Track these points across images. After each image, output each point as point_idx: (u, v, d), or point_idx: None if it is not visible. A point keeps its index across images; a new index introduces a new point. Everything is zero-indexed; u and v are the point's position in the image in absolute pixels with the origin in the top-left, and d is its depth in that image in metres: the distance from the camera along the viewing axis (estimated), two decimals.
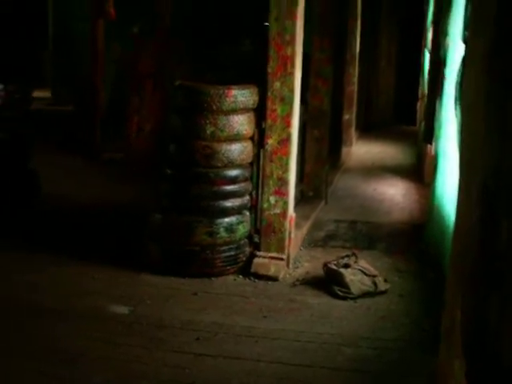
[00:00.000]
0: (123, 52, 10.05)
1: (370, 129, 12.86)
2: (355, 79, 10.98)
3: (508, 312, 2.05)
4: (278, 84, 5.10)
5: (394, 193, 8.29)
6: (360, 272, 5.01)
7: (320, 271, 5.20)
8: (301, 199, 6.89)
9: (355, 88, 11.02)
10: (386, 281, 5.06)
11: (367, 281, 4.96)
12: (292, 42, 5.04)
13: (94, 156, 9.06)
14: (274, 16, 5.06)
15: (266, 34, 5.22)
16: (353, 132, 11.17)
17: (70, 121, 10.29)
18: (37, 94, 12.79)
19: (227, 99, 4.99)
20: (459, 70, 4.15)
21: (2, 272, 5.10)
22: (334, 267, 5.04)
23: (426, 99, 9.00)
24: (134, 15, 11.65)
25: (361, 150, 11.14)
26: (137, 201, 6.85)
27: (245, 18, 11.71)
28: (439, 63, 6.28)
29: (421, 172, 8.96)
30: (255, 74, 5.49)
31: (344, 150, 10.12)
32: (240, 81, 5.27)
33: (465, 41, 4.07)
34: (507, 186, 2.23)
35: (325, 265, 5.14)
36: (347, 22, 10.00)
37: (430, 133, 7.28)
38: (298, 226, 5.79)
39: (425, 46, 11.30)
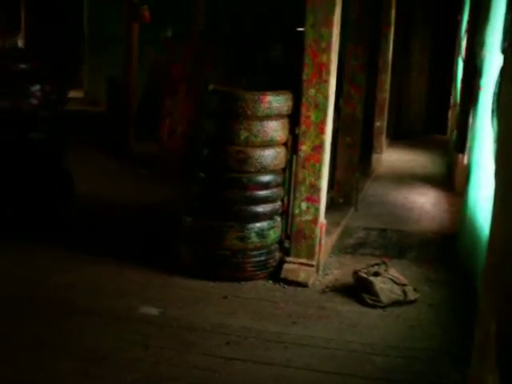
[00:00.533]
0: (157, 55, 10.13)
1: (400, 136, 12.80)
2: (387, 86, 10.95)
3: None
4: (312, 91, 5.12)
5: (425, 201, 8.25)
6: (390, 281, 5.00)
7: (349, 278, 5.20)
8: (331, 206, 6.89)
9: (387, 95, 10.99)
10: (415, 290, 5.05)
11: (397, 289, 4.95)
12: (328, 50, 5.05)
13: (127, 156, 9.14)
14: (310, 23, 5.07)
15: (299, 40, 5.24)
16: (383, 139, 11.14)
17: (104, 121, 10.39)
18: (72, 94, 13.02)
19: (262, 105, 5.01)
20: (497, 81, 4.13)
21: (38, 271, 5.17)
22: (364, 275, 5.04)
23: (458, 108, 8.97)
24: (169, 18, 11.77)
25: (391, 158, 11.10)
26: (168, 202, 6.90)
27: (278, 22, 11.75)
28: (474, 73, 6.26)
29: (451, 181, 8.91)
30: (288, 79, 5.51)
31: (374, 157, 10.10)
32: (273, 86, 5.30)
33: (503, 51, 4.05)
34: None
35: (355, 272, 5.14)
36: (381, 29, 9.98)
37: (462, 142, 7.27)
38: (327, 232, 5.79)
39: (458, 54, 11.25)
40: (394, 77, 11.70)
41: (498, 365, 2.48)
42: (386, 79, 10.84)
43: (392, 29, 10.82)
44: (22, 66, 6.46)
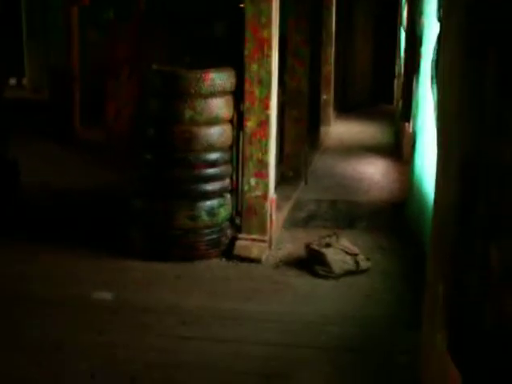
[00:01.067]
0: (99, 38, 9.97)
1: (348, 108, 12.88)
2: (332, 59, 10.99)
3: (486, 285, 2.09)
4: (255, 66, 5.10)
5: (374, 171, 8.33)
6: (341, 251, 5.05)
7: (302, 252, 5.23)
8: (281, 180, 6.91)
9: (332, 68, 11.03)
10: (367, 259, 5.11)
11: (349, 260, 5.00)
12: (268, 25, 5.04)
13: (73, 142, 9.01)
14: None
15: (241, 16, 5.21)
16: (331, 112, 11.19)
17: (48, 108, 10.21)
18: (14, 82, 12.77)
19: (205, 83, 4.98)
20: (435, 49, 4.17)
21: None
22: (316, 247, 5.08)
23: (402, 78, 9.04)
24: (109, 1, 11.57)
25: (339, 130, 11.17)
26: (117, 186, 6.83)
27: (220, 1, 11.65)
28: (415, 42, 6.31)
29: (399, 150, 9.01)
30: (231, 56, 5.49)
31: (322, 129, 10.15)
32: (217, 64, 5.27)
33: (439, 19, 4.09)
34: (485, 161, 2.26)
35: (307, 245, 5.17)
36: (323, 2, 9.98)
37: (407, 111, 7.34)
38: (278, 207, 5.81)
39: (400, 23, 11.32)
40: (339, 49, 11.74)
41: (445, 323, 2.54)
42: (331, 52, 10.87)
43: (334, 1, 10.83)
44: None
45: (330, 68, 10.87)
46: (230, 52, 5.88)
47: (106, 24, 10.06)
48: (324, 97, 10.46)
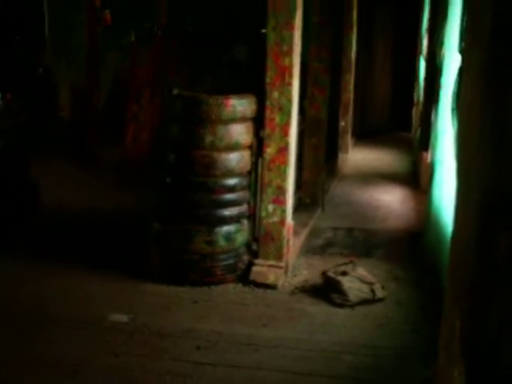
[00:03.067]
0: (120, 60, 10.09)
1: (365, 135, 12.89)
2: (351, 87, 11.04)
3: (506, 321, 2.09)
4: (276, 94, 5.15)
5: (391, 200, 8.32)
6: (358, 279, 5.05)
7: (318, 279, 5.24)
8: (298, 207, 6.93)
9: (351, 95, 11.08)
10: (383, 288, 5.10)
11: (365, 288, 5.00)
12: (290, 53, 5.08)
13: (92, 162, 9.08)
14: (271, 26, 5.10)
15: (262, 42, 5.26)
16: (349, 139, 11.22)
17: (68, 128, 10.31)
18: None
19: (226, 109, 5.03)
20: (456, 80, 4.20)
21: (6, 283, 5.12)
22: (332, 275, 5.08)
23: (421, 106, 9.07)
24: (131, 22, 11.71)
25: (357, 157, 11.18)
26: (134, 209, 6.88)
27: (242, 24, 11.75)
28: (435, 72, 6.34)
29: (417, 179, 9.00)
30: (252, 82, 5.53)
31: (340, 156, 10.16)
32: (237, 89, 5.31)
33: (461, 51, 4.12)
34: (505, 196, 2.27)
35: (323, 273, 5.18)
36: (343, 30, 10.05)
37: (425, 140, 7.35)
38: (295, 233, 5.83)
39: (420, 52, 11.38)
40: (358, 77, 11.80)
41: (463, 358, 2.53)
42: (350, 79, 10.92)
43: (354, 29, 10.91)
44: None
45: (349, 95, 10.91)
46: (251, 77, 5.93)
47: (128, 46, 10.18)
48: (342, 124, 10.49)
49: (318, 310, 4.85)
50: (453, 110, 4.26)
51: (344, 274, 5.08)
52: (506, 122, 2.31)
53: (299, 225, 6.27)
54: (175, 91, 5.34)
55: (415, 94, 12.54)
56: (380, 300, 4.99)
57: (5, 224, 6.05)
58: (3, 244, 5.83)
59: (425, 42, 9.56)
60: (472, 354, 2.41)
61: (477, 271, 2.46)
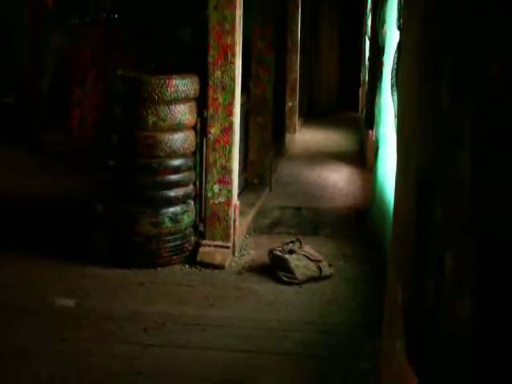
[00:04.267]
0: (64, 43, 9.91)
1: (313, 116, 12.96)
2: (297, 67, 11.06)
3: (441, 292, 2.12)
4: (218, 73, 5.12)
5: (338, 179, 8.39)
6: (304, 257, 5.07)
7: (265, 258, 5.25)
8: (245, 187, 6.93)
9: (297, 75, 11.10)
10: (330, 265, 5.14)
11: (312, 266, 5.03)
12: (232, 31, 5.06)
13: (36, 148, 8.93)
14: (212, 5, 5.07)
15: (206, 23, 5.23)
16: (296, 119, 11.25)
17: (11, 113, 10.11)
18: None
19: (168, 89, 4.98)
20: (395, 57, 4.23)
21: None
22: (279, 253, 5.10)
23: (367, 86, 9.13)
24: (75, 4, 11.49)
25: (305, 137, 11.23)
26: (81, 192, 6.79)
27: (186, 5, 11.64)
28: (378, 50, 6.38)
29: (363, 158, 9.09)
30: (197, 62, 5.50)
31: (288, 136, 10.19)
32: (182, 70, 5.27)
33: (399, 28, 4.15)
34: (441, 169, 2.29)
35: (270, 251, 5.20)
36: (288, 10, 10.04)
37: (370, 119, 7.41)
38: (242, 213, 5.83)
39: (365, 32, 11.43)
40: (304, 56, 11.82)
41: (404, 330, 2.56)
42: (296, 59, 10.94)
43: (299, 9, 10.91)
44: None
45: (295, 75, 10.94)
46: (195, 58, 5.89)
47: (71, 29, 10.00)
48: (289, 104, 10.51)
49: (266, 288, 4.87)
50: (392, 86, 4.30)
51: (291, 252, 5.11)
52: (441, 98, 2.33)
53: (246, 205, 6.27)
54: (119, 73, 5.28)
55: (362, 74, 12.62)
56: (327, 277, 5.03)
57: None
58: None
59: (369, 22, 9.61)
60: (411, 325, 2.44)
61: (415, 244, 2.49)
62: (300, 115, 11.80)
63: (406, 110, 2.97)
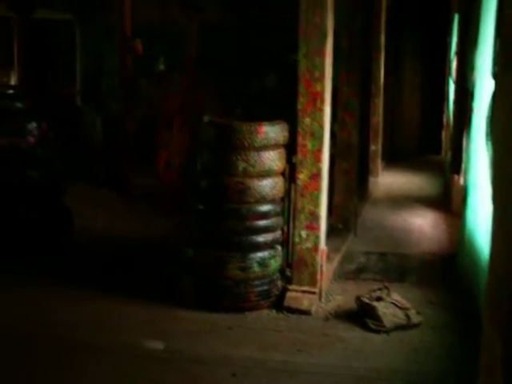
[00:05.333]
0: (151, 87, 10.21)
1: (395, 159, 12.87)
2: (380, 110, 11.05)
3: None
4: (308, 120, 5.17)
5: (423, 223, 8.28)
6: (392, 305, 5.02)
7: (352, 304, 5.22)
8: (330, 232, 6.91)
9: (381, 119, 11.09)
10: (418, 313, 5.07)
11: (400, 313, 4.97)
12: (321, 79, 5.11)
13: (123, 190, 9.16)
14: (303, 52, 5.14)
15: (292, 68, 5.30)
16: (379, 162, 11.21)
17: (101, 155, 10.45)
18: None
19: (259, 136, 5.06)
20: (489, 105, 4.18)
21: (39, 309, 5.17)
22: (367, 300, 5.06)
23: (451, 129, 9.04)
24: (161, 50, 11.84)
25: (387, 181, 11.16)
26: (168, 235, 6.93)
27: (270, 51, 11.83)
28: (466, 95, 6.33)
29: (448, 202, 8.95)
30: (282, 108, 5.57)
31: (371, 180, 10.15)
32: (267, 115, 5.35)
33: (494, 75, 4.11)
34: None
35: (357, 298, 5.16)
36: (372, 55, 10.09)
37: (457, 164, 7.32)
38: (328, 259, 5.81)
39: (449, 75, 11.35)
40: (387, 99, 11.81)
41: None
42: (379, 103, 10.94)
43: (382, 53, 10.94)
44: (19, 104, 6.52)
45: (378, 119, 10.93)
46: (281, 104, 5.96)
47: (157, 74, 10.29)
48: (373, 147, 10.50)
49: (353, 335, 4.83)
50: (487, 135, 4.24)
51: (379, 299, 5.06)
52: None
53: (332, 250, 6.25)
54: (206, 118, 5.38)
55: (445, 117, 12.51)
56: (415, 325, 4.96)
57: (39, 249, 6.15)
58: (37, 268, 5.92)
59: (454, 65, 9.55)
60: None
61: None
62: (382, 158, 11.75)
63: (502, 161, 2.94)
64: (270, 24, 12.44)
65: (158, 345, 4.60)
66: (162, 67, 11.16)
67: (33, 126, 6.44)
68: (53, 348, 4.53)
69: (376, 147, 10.81)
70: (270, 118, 5.29)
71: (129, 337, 4.71)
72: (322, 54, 5.09)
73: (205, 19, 12.33)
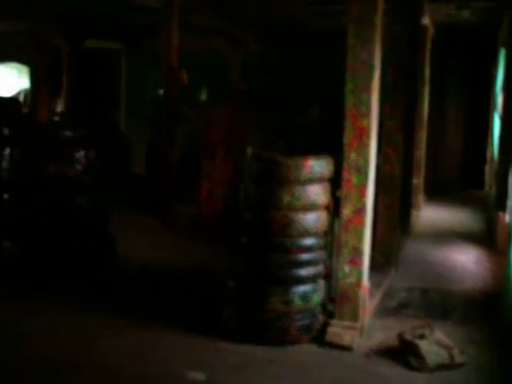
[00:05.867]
0: (194, 117, 10.33)
1: (436, 193, 12.78)
2: (423, 144, 11.01)
3: None
4: (353, 155, 5.18)
5: (466, 260, 8.18)
6: (435, 343, 4.96)
7: (393, 341, 5.17)
8: (372, 266, 6.87)
9: (423, 153, 11.04)
10: (462, 353, 4.99)
11: (443, 353, 4.91)
12: (368, 114, 5.13)
13: (166, 219, 9.24)
14: (349, 88, 5.16)
15: (336, 102, 5.32)
16: (421, 196, 11.14)
17: (144, 183, 10.58)
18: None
19: (304, 170, 5.08)
20: None
21: (82, 336, 5.23)
22: (409, 338, 5.01)
23: (496, 164, 8.96)
24: (203, 80, 12.00)
25: (429, 215, 11.06)
26: (209, 265, 6.98)
27: (314, 84, 11.91)
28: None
29: (492, 239, 8.84)
30: (327, 142, 5.58)
31: (413, 214, 10.09)
32: (310, 147, 5.37)
33: None
34: None
35: (399, 335, 5.11)
36: (416, 89, 10.07)
37: (502, 200, 7.25)
38: (369, 294, 5.77)
39: (493, 109, 11.29)
40: (430, 134, 11.77)
41: None
42: (422, 137, 10.91)
43: (427, 87, 10.93)
44: (68, 133, 6.65)
45: (421, 153, 10.88)
46: (325, 137, 5.98)
47: (201, 104, 10.41)
48: (415, 181, 10.44)
49: (395, 373, 4.78)
50: None
51: (421, 337, 5.01)
52: None
53: (373, 285, 6.20)
54: (250, 151, 5.42)
55: (489, 151, 12.41)
56: (459, 365, 4.89)
57: (84, 275, 6.25)
58: (82, 294, 6.01)
59: (500, 100, 9.50)
60: None
61: None
62: (424, 192, 11.68)
63: None
64: (313, 57, 12.56)
65: (200, 376, 4.61)
66: (203, 97, 11.29)
67: (81, 154, 6.57)
68: (97, 378, 4.56)
69: (418, 181, 10.75)
70: (313, 151, 5.31)
71: (171, 367, 4.73)
72: (368, 90, 5.11)
73: (249, 51, 12.51)
